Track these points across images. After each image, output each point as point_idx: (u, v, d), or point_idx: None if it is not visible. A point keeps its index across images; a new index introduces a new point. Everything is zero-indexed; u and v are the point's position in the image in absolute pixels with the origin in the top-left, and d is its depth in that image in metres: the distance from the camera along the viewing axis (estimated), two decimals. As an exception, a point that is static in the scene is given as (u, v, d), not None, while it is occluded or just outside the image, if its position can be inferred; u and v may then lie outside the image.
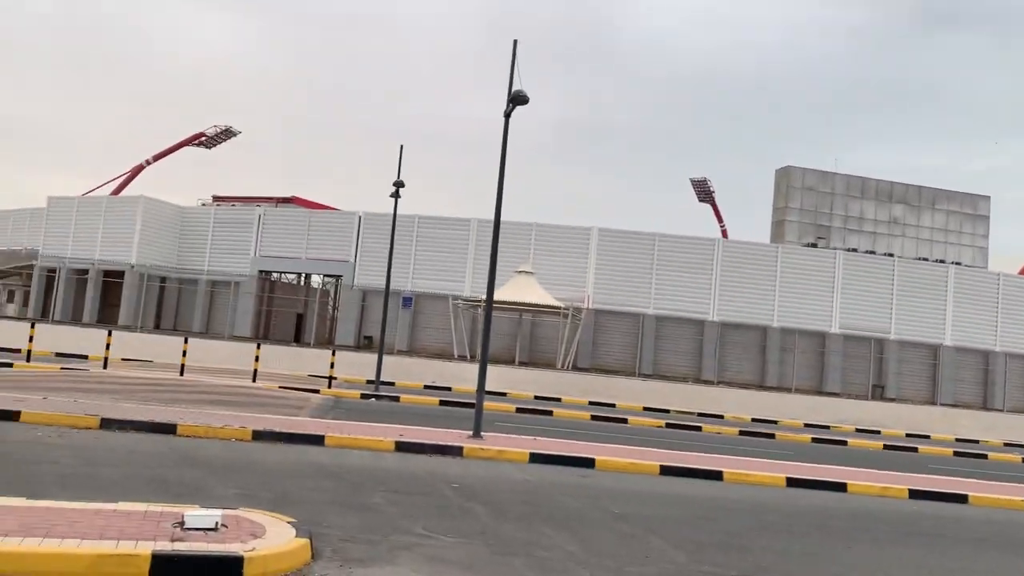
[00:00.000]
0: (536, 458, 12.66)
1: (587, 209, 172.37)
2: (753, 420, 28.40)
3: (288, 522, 6.76)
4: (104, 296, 48.85)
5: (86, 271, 48.34)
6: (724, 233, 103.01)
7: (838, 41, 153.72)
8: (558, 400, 28.13)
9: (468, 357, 40.91)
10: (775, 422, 28.38)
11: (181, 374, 20.63)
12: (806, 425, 28.19)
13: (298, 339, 49.87)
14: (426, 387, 27.34)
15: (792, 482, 13.06)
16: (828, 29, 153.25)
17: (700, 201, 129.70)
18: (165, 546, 5.62)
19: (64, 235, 49.42)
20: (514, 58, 13.88)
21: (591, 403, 28.34)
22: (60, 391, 14.64)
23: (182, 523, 6.18)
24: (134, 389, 16.43)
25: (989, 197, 57.19)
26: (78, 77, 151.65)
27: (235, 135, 75.77)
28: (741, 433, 22.74)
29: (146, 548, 5.51)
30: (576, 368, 42.18)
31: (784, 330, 44.84)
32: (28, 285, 52.13)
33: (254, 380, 21.17)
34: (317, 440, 12.18)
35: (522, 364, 41.66)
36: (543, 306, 40.13)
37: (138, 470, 9.08)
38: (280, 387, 20.83)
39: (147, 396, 15.28)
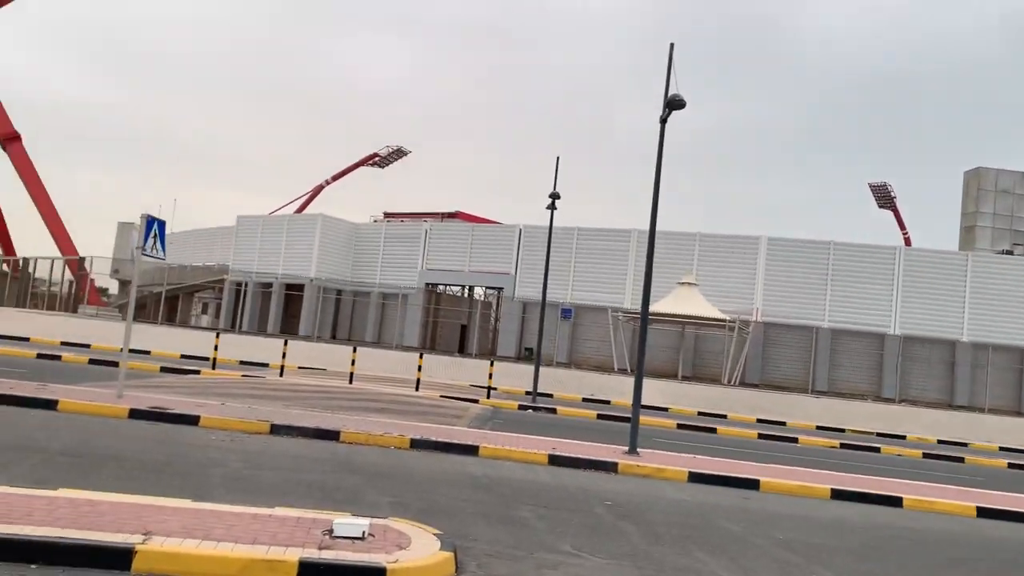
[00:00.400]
0: (695, 477, 12.12)
1: (754, 217, 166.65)
2: (939, 442, 26.16)
3: (434, 534, 6.73)
4: (286, 308, 52.01)
5: (270, 284, 51.67)
6: (907, 240, 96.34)
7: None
8: (723, 417, 27.10)
9: (628, 370, 40.31)
10: (965, 444, 26.01)
11: (350, 382, 21.50)
12: (1001, 449, 25.66)
13: (462, 349, 51.01)
14: (584, 400, 27.10)
15: (984, 512, 11.79)
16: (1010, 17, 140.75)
17: (880, 207, 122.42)
18: (312, 553, 5.70)
19: (251, 251, 53.11)
20: (670, 62, 13.47)
21: (759, 420, 27.09)
22: (238, 397, 15.57)
23: (331, 531, 6.28)
24: (305, 396, 17.23)
25: None
26: (254, 102, 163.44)
27: (406, 154, 79.07)
28: (925, 456, 20.96)
29: (294, 555, 5.61)
30: (744, 384, 40.57)
31: (976, 344, 41.14)
32: (220, 298, 56.42)
33: (417, 389, 21.72)
34: (471, 451, 12.23)
35: (685, 378, 40.60)
36: (707, 319, 38.90)
37: (299, 475, 9.41)
38: (441, 396, 21.25)
39: (316, 403, 15.97)
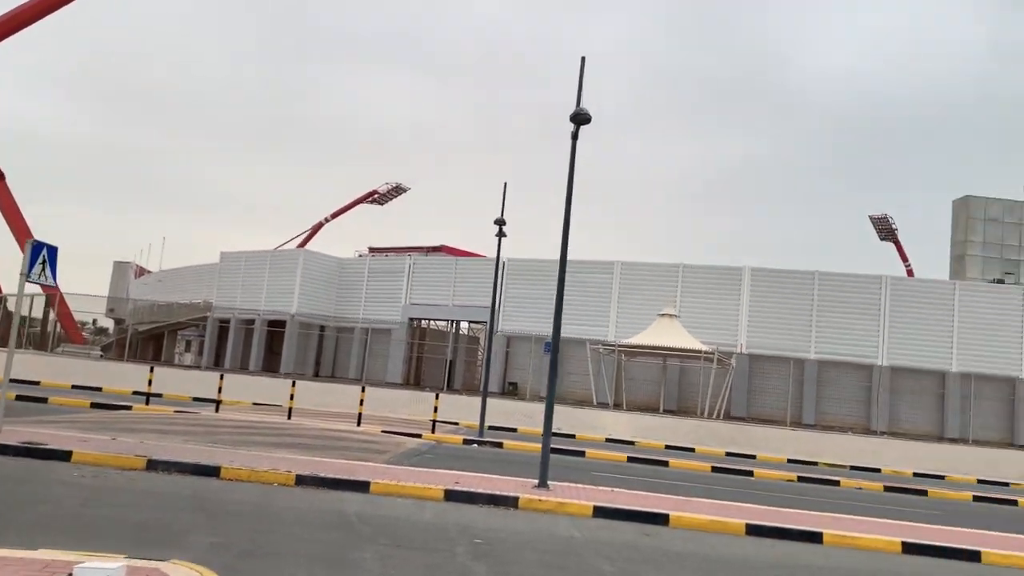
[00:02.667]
0: (601, 512, 11.33)
1: (750, 250, 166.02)
2: (915, 475, 25.16)
3: (213, 579, 6.01)
4: (269, 345, 51.37)
5: (253, 321, 51.14)
6: (910, 272, 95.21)
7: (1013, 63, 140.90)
8: (691, 450, 26.19)
9: (609, 404, 39.43)
10: (941, 477, 24.99)
11: (288, 417, 20.78)
12: (979, 481, 24.63)
13: (449, 385, 50.20)
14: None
15: (909, 547, 10.92)
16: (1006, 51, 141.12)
17: (881, 240, 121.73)
18: (24, 601, 5.01)
19: (234, 287, 52.64)
20: (581, 76, 12.94)
21: (728, 454, 26.16)
22: (148, 433, 14.88)
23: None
24: (223, 432, 16.52)
25: None
26: (256, 142, 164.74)
27: (405, 191, 78.98)
28: (886, 489, 19.96)
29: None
30: (729, 417, 39.58)
31: (965, 375, 40.09)
32: (203, 335, 55.88)
33: (358, 424, 20.97)
34: (362, 486, 11.48)
35: (668, 412, 39.68)
36: (686, 350, 38.01)
37: (133, 513, 8.70)
38: (383, 431, 20.49)
39: (226, 438, 15.26)
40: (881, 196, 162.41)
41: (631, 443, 26.36)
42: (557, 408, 33.48)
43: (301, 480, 11.46)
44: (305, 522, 9.12)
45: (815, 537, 11.14)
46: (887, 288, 41.67)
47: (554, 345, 13.41)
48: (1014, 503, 19.80)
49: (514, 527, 10.07)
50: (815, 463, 26.00)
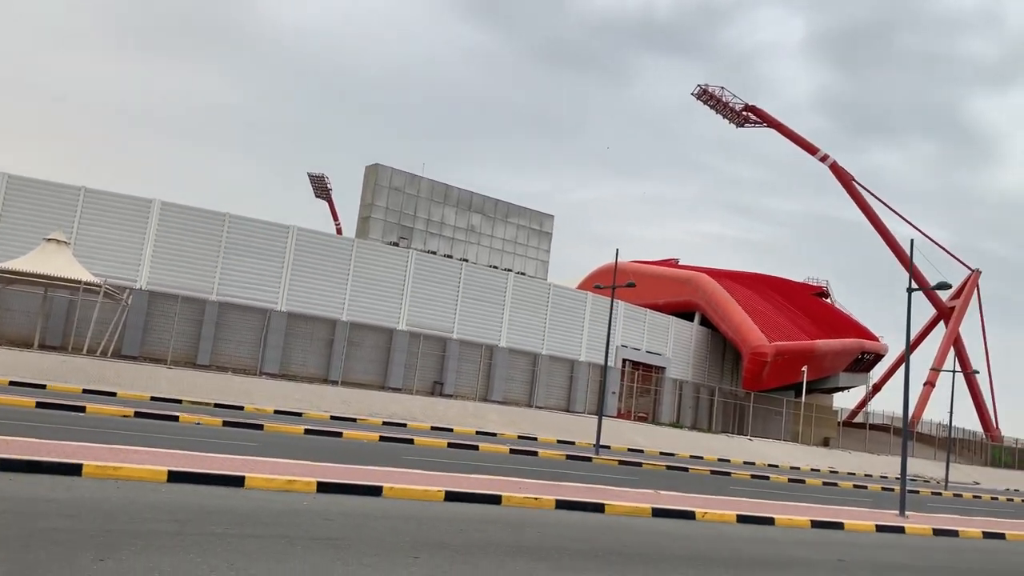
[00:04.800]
0: None
1: (207, 195, 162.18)
2: (277, 412, 26.83)
3: None
4: None
5: None
6: (339, 231, 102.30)
7: (468, 64, 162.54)
8: (42, 387, 24.03)
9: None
10: (299, 414, 27.08)
11: None
12: (333, 417, 27.32)
13: None
14: None
15: (173, 476, 11.29)
16: (465, 51, 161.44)
17: (317, 197, 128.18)
18: None
19: None
20: None
21: (86, 391, 24.66)
22: None
23: None
24: None
25: (553, 216, 62.79)
26: None
27: None
28: (226, 424, 20.84)
29: None
30: (119, 356, 37.58)
31: (354, 325, 44.37)
32: None
33: None
34: None
35: (50, 347, 36.11)
36: (70, 281, 34.88)
37: None
38: None
39: None
40: (331, 156, 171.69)
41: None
42: None
43: None
44: None
45: (75, 469, 10.83)
46: (293, 238, 43.79)
47: None
48: (339, 435, 22.36)
49: None
50: (180, 401, 26.00)
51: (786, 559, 12.09)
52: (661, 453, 35.74)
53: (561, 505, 13.93)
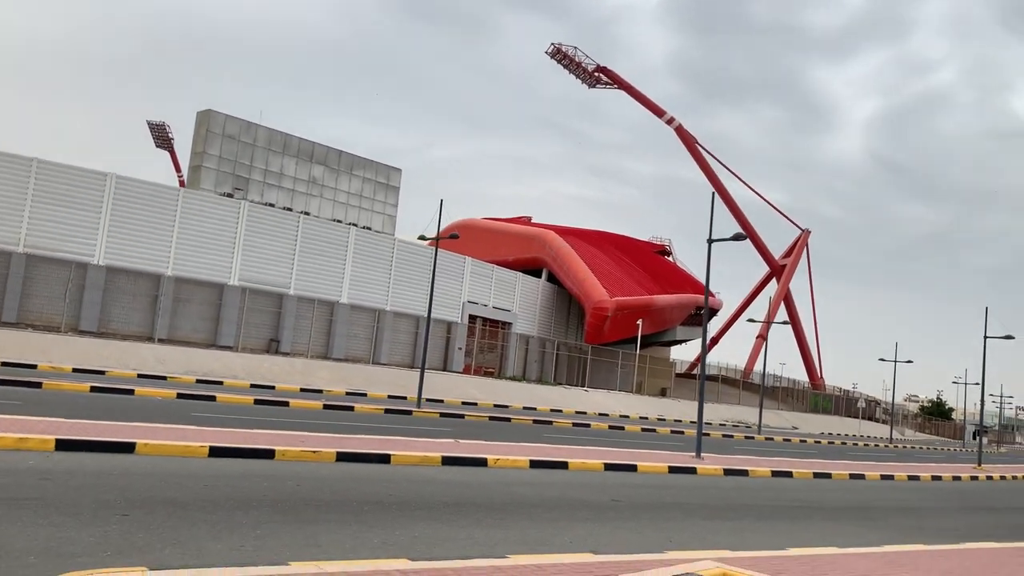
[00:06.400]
0: None
1: (30, 138, 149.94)
2: (76, 370, 25.03)
3: None
4: None
5: None
6: (182, 183, 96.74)
7: (329, 14, 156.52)
8: None
9: None
10: (103, 372, 25.35)
11: None
12: (140, 376, 25.80)
13: None
14: None
15: None
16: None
17: (157, 147, 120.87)
18: None
19: None
20: None
21: None
22: None
23: None
24: None
25: (400, 170, 61.48)
26: None
27: None
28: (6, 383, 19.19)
29: None
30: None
31: (180, 279, 42.06)
32: None
33: None
34: None
35: None
36: None
37: None
38: None
39: None
40: (178, 105, 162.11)
41: None
42: None
43: None
44: None
45: None
46: (112, 186, 40.83)
47: None
48: (131, 392, 21.04)
49: None
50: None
51: (558, 500, 12.14)
52: (495, 405, 36.00)
53: (343, 457, 13.49)
